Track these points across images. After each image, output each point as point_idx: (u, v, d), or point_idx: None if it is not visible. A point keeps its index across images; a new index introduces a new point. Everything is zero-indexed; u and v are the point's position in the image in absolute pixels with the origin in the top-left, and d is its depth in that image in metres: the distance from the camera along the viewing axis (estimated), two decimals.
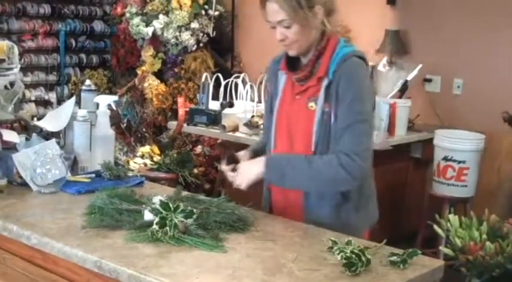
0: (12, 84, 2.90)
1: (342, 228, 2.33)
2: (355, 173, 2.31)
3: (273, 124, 2.55)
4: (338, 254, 1.94)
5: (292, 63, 2.48)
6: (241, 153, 2.61)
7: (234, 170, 2.46)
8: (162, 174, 4.77)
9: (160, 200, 2.17)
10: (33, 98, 6.91)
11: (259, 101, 4.97)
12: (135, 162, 4.98)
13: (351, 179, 2.33)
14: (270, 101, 2.62)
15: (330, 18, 2.41)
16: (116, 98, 3.05)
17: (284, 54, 2.50)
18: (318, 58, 2.41)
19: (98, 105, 2.91)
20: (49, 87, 7.12)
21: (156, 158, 5.10)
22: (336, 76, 2.35)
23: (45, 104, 7.07)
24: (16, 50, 2.90)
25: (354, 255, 1.90)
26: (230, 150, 2.64)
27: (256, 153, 2.60)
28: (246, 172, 2.40)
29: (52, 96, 7.09)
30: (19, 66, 2.91)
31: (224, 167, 2.51)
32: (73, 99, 2.95)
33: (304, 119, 2.43)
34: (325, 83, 2.38)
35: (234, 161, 2.51)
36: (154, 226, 2.07)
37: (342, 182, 2.34)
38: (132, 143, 6.36)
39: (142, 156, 5.27)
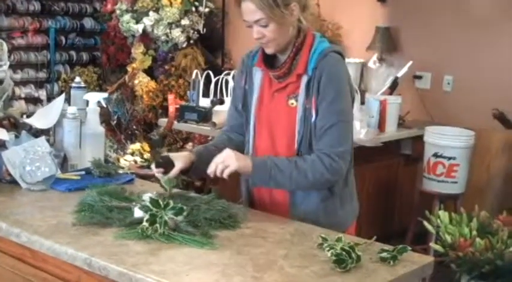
0: (1, 81, 2.89)
1: (329, 223, 2.35)
2: (336, 174, 2.36)
3: (251, 122, 2.53)
4: (328, 250, 1.95)
5: (268, 60, 2.47)
6: (177, 155, 2.52)
7: (165, 172, 2.41)
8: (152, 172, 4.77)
9: (150, 197, 2.17)
10: (23, 96, 6.89)
11: None
12: (125, 160, 4.97)
13: (332, 180, 2.37)
14: (242, 97, 2.57)
15: (305, 13, 2.41)
16: (105, 95, 3.05)
17: (259, 49, 2.49)
18: (296, 54, 2.40)
19: (87, 102, 2.90)
20: (39, 84, 7.10)
21: (146, 155, 5.09)
22: (316, 73, 2.35)
23: (35, 101, 7.05)
24: (5, 47, 2.89)
25: (344, 252, 1.90)
26: (159, 151, 2.57)
27: (201, 156, 2.50)
28: (238, 157, 2.34)
29: (42, 94, 7.06)
30: (8, 63, 2.89)
31: (155, 169, 2.45)
32: (63, 96, 2.93)
33: (286, 116, 2.42)
34: (305, 79, 2.38)
35: (166, 163, 2.44)
36: (145, 223, 2.07)
37: (324, 183, 2.38)
38: (123, 140, 6.35)
39: (132, 154, 5.27)
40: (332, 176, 2.34)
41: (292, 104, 2.41)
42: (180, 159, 2.46)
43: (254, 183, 2.40)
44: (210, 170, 2.35)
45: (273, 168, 2.33)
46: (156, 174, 2.45)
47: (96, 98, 2.90)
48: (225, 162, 2.32)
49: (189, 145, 5.88)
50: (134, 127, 6.44)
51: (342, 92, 2.36)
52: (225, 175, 2.32)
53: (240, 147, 2.60)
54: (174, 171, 2.42)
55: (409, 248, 2.02)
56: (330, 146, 2.33)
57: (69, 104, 2.92)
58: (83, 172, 2.75)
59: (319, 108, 2.35)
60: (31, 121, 2.88)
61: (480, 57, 5.15)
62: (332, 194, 2.43)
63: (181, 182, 2.43)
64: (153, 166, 2.48)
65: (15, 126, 2.88)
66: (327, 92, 2.34)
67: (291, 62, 2.40)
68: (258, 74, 2.51)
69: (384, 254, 1.97)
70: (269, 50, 2.42)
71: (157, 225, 2.06)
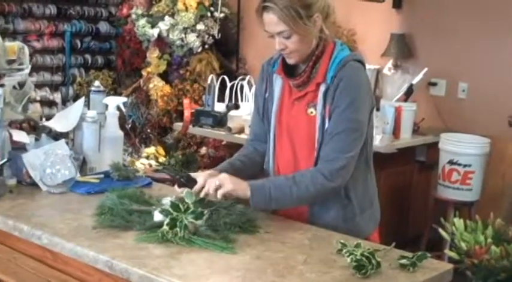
0: (22, 84, 2.91)
1: (348, 230, 2.35)
2: (338, 181, 2.33)
3: (271, 130, 2.52)
4: (348, 256, 1.95)
5: (288, 68, 2.46)
6: (198, 174, 2.44)
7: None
8: (167, 176, 4.78)
9: (171, 201, 2.19)
10: (38, 98, 6.91)
11: None
12: (141, 163, 4.99)
13: (336, 187, 2.35)
14: (262, 104, 2.56)
15: (327, 22, 2.39)
16: (125, 99, 3.07)
17: (280, 56, 2.48)
18: (316, 63, 2.39)
19: (106, 106, 2.93)
20: (54, 87, 7.12)
21: (161, 159, 5.11)
22: (335, 81, 2.34)
23: (50, 104, 7.07)
24: (26, 51, 2.91)
25: (364, 258, 1.91)
26: (167, 168, 2.48)
27: (225, 171, 2.43)
28: (234, 182, 2.30)
29: (57, 97, 7.09)
30: (30, 66, 2.92)
31: (178, 189, 2.37)
32: (82, 100, 2.96)
33: (305, 125, 2.42)
34: (323, 88, 2.36)
35: (188, 181, 2.37)
36: (165, 227, 2.09)
37: (329, 192, 2.36)
38: (137, 144, 6.38)
39: (147, 157, 5.29)
40: (334, 183, 2.32)
41: (312, 112, 2.40)
42: (202, 176, 2.37)
43: (255, 206, 2.31)
44: (198, 186, 2.29)
45: (271, 189, 2.30)
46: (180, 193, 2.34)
47: (115, 102, 2.92)
48: (221, 181, 2.28)
49: (204, 149, 5.91)
50: (148, 131, 6.46)
51: (357, 101, 2.33)
52: (219, 195, 2.26)
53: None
54: (197, 187, 2.32)
55: (429, 255, 2.02)
56: (333, 152, 2.32)
57: (89, 108, 2.94)
58: (102, 175, 2.77)
59: (332, 115, 2.34)
60: (51, 124, 2.90)
61: (495, 65, 5.13)
62: (350, 201, 2.43)
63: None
64: (176, 187, 2.40)
65: (34, 129, 2.91)
66: (341, 99, 2.32)
67: (310, 71, 2.39)
68: (278, 82, 2.50)
69: (404, 261, 1.98)
70: (291, 61, 2.41)
71: (178, 229, 2.08)
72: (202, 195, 2.27)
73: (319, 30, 2.37)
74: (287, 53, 2.38)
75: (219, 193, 2.26)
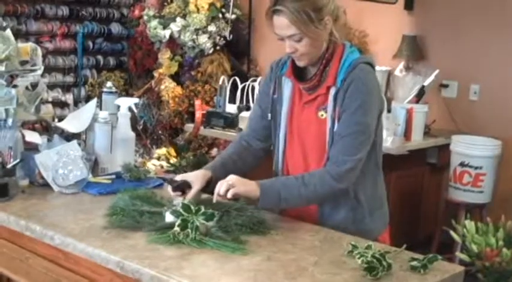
0: (34, 85, 2.93)
1: (358, 231, 2.36)
2: (345, 182, 2.34)
3: (281, 133, 2.52)
4: (359, 258, 1.96)
5: (298, 71, 2.46)
6: (192, 175, 2.44)
7: (183, 194, 2.36)
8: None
9: (182, 203, 2.19)
10: (50, 99, 6.94)
11: None
12: (153, 164, 5.00)
13: (343, 189, 2.36)
14: (269, 105, 2.55)
15: (337, 24, 2.38)
16: (136, 100, 3.08)
17: (289, 58, 2.47)
18: (326, 66, 2.38)
19: (118, 107, 2.94)
20: (66, 88, 7.16)
21: (173, 160, 5.11)
22: (345, 84, 2.33)
23: (62, 105, 7.11)
24: (39, 52, 2.92)
25: (374, 260, 1.91)
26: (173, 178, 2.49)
27: (217, 172, 2.47)
28: (244, 183, 2.31)
29: (69, 98, 7.12)
30: (42, 67, 2.93)
31: (172, 193, 2.39)
32: (94, 100, 2.98)
33: (316, 128, 2.41)
34: (333, 91, 2.36)
35: (183, 186, 2.39)
36: (176, 228, 2.09)
37: (335, 193, 2.38)
38: (148, 145, 6.39)
39: (158, 158, 5.30)
40: (342, 184, 2.33)
41: (322, 115, 2.40)
42: (196, 181, 2.40)
43: (263, 206, 2.32)
44: (216, 191, 2.30)
45: (281, 189, 2.31)
46: (174, 198, 2.39)
47: (127, 103, 2.93)
48: (231, 182, 2.29)
49: (215, 151, 5.91)
50: (160, 132, 6.48)
51: (366, 104, 2.33)
52: (229, 195, 2.27)
53: (257, 157, 2.63)
54: (191, 193, 2.37)
55: (440, 257, 2.02)
56: (340, 154, 2.32)
57: (101, 109, 2.96)
58: (114, 176, 2.78)
59: (341, 117, 2.34)
60: (63, 125, 2.92)
61: (507, 67, 5.12)
62: (359, 202, 2.43)
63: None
64: (169, 189, 2.41)
65: (47, 129, 2.93)
66: (350, 102, 2.32)
67: (321, 74, 2.39)
68: (288, 84, 2.49)
69: (415, 263, 1.98)
70: (301, 64, 2.41)
71: (189, 230, 2.09)
72: (214, 199, 2.29)
73: (329, 33, 2.36)
74: (297, 56, 2.37)
75: (230, 193, 2.26)
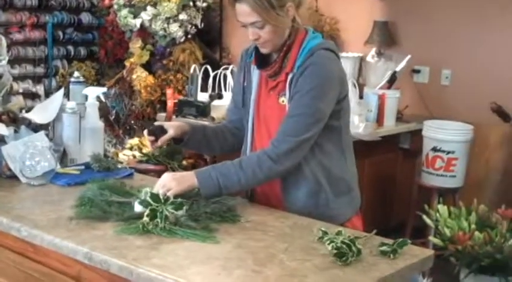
0: (0, 76, 2.88)
1: (323, 215, 2.35)
2: (286, 163, 2.32)
3: (249, 119, 2.52)
4: (329, 244, 1.95)
5: (262, 58, 2.45)
6: (171, 123, 2.53)
7: (156, 140, 2.46)
8: (151, 166, 4.75)
9: (150, 192, 2.17)
10: (21, 91, 6.87)
11: None
12: (124, 154, 4.96)
13: (283, 170, 2.34)
14: (241, 94, 2.56)
15: (300, 10, 2.38)
16: (104, 89, 3.05)
17: (255, 46, 2.47)
18: (287, 52, 2.38)
19: (86, 97, 2.90)
20: (37, 79, 7.08)
21: (145, 150, 5.08)
22: (300, 69, 2.33)
23: (33, 96, 7.03)
24: (4, 42, 2.88)
25: (344, 245, 1.90)
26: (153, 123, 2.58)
27: (195, 130, 2.55)
28: (180, 181, 2.29)
29: (40, 89, 7.05)
30: (7, 58, 2.89)
31: (146, 136, 2.49)
32: (61, 91, 2.94)
33: (278, 114, 2.41)
34: (290, 77, 2.36)
35: (159, 131, 2.47)
36: (145, 218, 2.07)
37: (277, 175, 2.37)
38: (121, 135, 6.34)
39: (131, 148, 5.25)
40: (282, 166, 2.32)
41: (283, 101, 2.40)
42: (173, 128, 2.48)
43: (206, 196, 2.30)
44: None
45: (219, 178, 2.29)
46: (147, 144, 2.45)
47: (95, 92, 2.90)
48: (166, 185, 2.27)
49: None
50: (132, 122, 6.43)
51: (319, 88, 2.31)
52: (170, 196, 2.22)
53: (239, 140, 2.62)
54: (164, 138, 2.46)
55: (409, 241, 2.02)
56: (283, 134, 2.31)
57: (68, 99, 2.92)
58: (83, 166, 2.75)
59: (292, 99, 2.34)
60: (30, 116, 2.88)
61: (478, 51, 5.15)
62: (320, 186, 2.41)
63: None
64: (145, 132, 2.49)
65: (14, 121, 2.88)
66: (302, 85, 2.32)
67: (281, 60, 2.39)
68: (256, 72, 2.50)
69: (384, 248, 1.98)
70: (265, 50, 2.40)
71: (158, 219, 2.07)
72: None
73: (291, 20, 2.36)
74: (261, 43, 2.37)
75: (170, 195, 2.21)
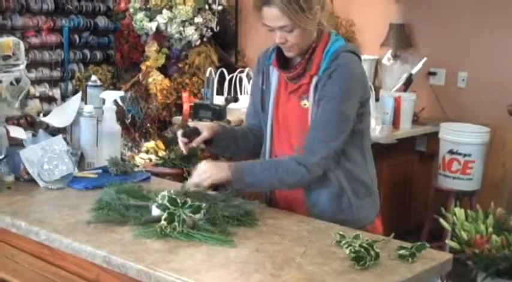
0: (18, 80, 2.90)
1: (346, 219, 2.35)
2: (318, 171, 2.35)
3: (268, 122, 2.52)
4: (346, 248, 1.95)
5: (283, 60, 2.45)
6: (205, 124, 2.55)
7: (189, 142, 2.47)
8: (167, 170, 4.76)
9: (168, 196, 2.18)
10: (37, 94, 6.90)
11: None
12: (140, 158, 4.97)
13: (315, 177, 2.36)
14: (260, 97, 2.57)
15: (323, 13, 2.38)
16: (122, 93, 3.06)
17: (275, 48, 2.46)
18: (312, 55, 2.38)
19: (104, 100, 2.91)
20: (53, 83, 7.11)
21: (161, 153, 5.09)
22: (326, 73, 2.33)
23: (50, 100, 7.06)
24: (22, 46, 2.89)
25: (362, 249, 1.90)
26: (187, 123, 2.59)
27: (225, 130, 2.57)
28: (220, 170, 2.34)
29: (56, 92, 7.08)
30: (25, 62, 2.90)
31: (180, 137, 2.49)
32: (79, 94, 2.95)
33: (299, 117, 2.41)
34: (314, 80, 2.36)
35: (193, 133, 2.48)
36: (163, 222, 2.07)
37: (308, 182, 2.38)
38: (137, 138, 6.36)
39: (147, 152, 5.26)
40: (315, 173, 2.34)
41: (305, 105, 2.40)
42: (206, 129, 2.48)
43: (234, 188, 2.36)
44: (191, 182, 2.37)
45: (249, 177, 2.34)
46: (180, 145, 2.49)
47: (112, 96, 2.91)
48: (208, 171, 2.34)
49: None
50: (148, 125, 6.44)
51: (345, 92, 2.32)
52: (206, 183, 2.33)
53: (258, 145, 2.62)
54: (199, 139, 2.46)
55: (428, 245, 2.01)
56: (316, 142, 2.32)
57: (86, 103, 2.93)
58: (100, 170, 2.76)
59: (319, 105, 2.34)
60: (48, 120, 2.89)
61: (495, 54, 5.12)
62: (343, 189, 2.41)
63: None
64: (179, 133, 2.49)
65: (32, 125, 2.90)
66: (329, 89, 2.32)
67: (306, 63, 2.39)
68: (275, 74, 2.50)
69: (403, 251, 1.97)
70: (291, 54, 2.40)
71: (176, 223, 2.07)
72: (189, 186, 2.35)
73: (318, 23, 2.36)
74: (287, 46, 2.37)
75: (207, 182, 2.32)
